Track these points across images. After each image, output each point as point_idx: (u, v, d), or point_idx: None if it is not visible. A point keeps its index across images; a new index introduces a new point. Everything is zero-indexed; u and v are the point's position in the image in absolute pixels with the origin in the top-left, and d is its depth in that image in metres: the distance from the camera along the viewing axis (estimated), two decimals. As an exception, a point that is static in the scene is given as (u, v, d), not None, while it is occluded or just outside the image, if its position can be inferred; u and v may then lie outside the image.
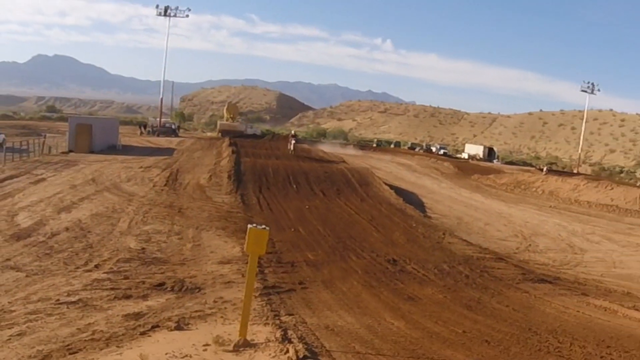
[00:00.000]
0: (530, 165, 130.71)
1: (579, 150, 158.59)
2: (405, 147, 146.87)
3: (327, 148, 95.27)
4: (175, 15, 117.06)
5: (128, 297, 17.93)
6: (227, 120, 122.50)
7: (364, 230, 32.51)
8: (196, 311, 16.66)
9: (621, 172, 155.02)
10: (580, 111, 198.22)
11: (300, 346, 13.37)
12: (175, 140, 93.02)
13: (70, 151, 62.23)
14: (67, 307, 16.59)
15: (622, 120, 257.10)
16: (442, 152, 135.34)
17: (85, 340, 14.10)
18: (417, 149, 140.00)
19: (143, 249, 24.40)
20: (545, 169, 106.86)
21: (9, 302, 16.99)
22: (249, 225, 14.45)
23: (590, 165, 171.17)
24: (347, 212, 37.02)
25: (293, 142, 73.02)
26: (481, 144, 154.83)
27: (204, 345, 13.51)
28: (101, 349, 13.51)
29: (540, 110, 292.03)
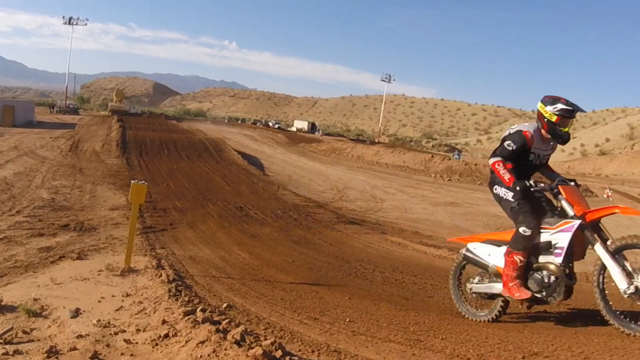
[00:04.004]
0: (343, 136, 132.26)
1: (379, 125, 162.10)
2: (249, 123, 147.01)
3: (205, 126, 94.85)
4: (77, 24, 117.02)
5: (42, 235, 17.77)
6: (115, 102, 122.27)
7: (218, 185, 32.80)
8: (92, 245, 16.63)
9: (411, 141, 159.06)
10: (380, 95, 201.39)
11: (170, 271, 13.50)
12: (76, 117, 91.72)
13: (-2, 126, 60.73)
14: (-5, 243, 16.51)
15: (412, 102, 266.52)
16: (276, 126, 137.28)
17: (9, 267, 14.01)
18: (258, 124, 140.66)
19: (53, 198, 24.16)
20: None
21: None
22: (132, 181, 14.66)
23: (388, 136, 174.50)
24: (206, 172, 37.16)
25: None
26: (306, 120, 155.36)
27: (99, 271, 13.57)
28: (21, 274, 13.44)
29: (350, 95, 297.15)
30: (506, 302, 10.61)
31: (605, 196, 52.02)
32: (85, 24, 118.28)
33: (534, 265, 9.82)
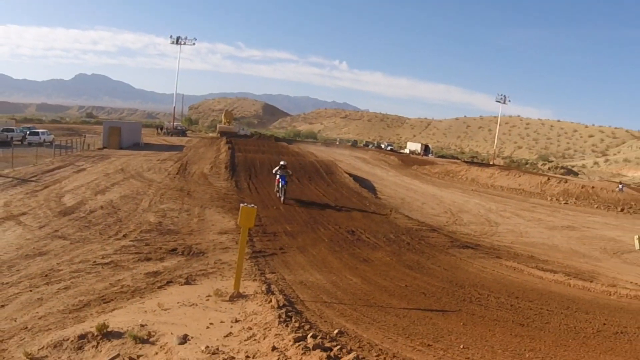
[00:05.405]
0: (457, 158, 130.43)
1: (494, 147, 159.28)
2: (361, 145, 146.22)
3: (316, 148, 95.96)
4: (184, 44, 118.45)
5: (148, 259, 18.06)
6: (224, 124, 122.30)
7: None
8: (201, 270, 16.83)
9: (526, 163, 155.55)
10: (495, 117, 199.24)
11: (280, 297, 13.58)
12: (184, 139, 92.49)
13: (104, 147, 62.26)
14: (102, 267, 16.79)
15: (527, 124, 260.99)
16: (389, 148, 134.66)
17: (116, 292, 14.31)
18: (370, 146, 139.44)
19: (160, 222, 24.40)
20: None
21: (57, 264, 17.12)
22: (241, 204, 14.73)
23: (503, 158, 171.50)
24: (317, 194, 36.90)
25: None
26: (419, 142, 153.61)
27: (207, 296, 13.72)
28: (128, 299, 13.72)
29: (464, 116, 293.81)
30: None
31: None
32: (193, 44, 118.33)
33: None
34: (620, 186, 67.14)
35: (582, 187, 59.70)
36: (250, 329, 11.37)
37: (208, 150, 66.18)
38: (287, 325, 11.18)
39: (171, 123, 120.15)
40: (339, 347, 9.81)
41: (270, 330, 11.02)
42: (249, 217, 14.39)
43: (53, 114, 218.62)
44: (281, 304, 12.87)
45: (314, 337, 10.35)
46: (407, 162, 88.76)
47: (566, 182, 64.87)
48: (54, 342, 10.94)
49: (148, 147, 69.48)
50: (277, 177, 33.65)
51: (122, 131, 66.66)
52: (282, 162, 34.11)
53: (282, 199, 32.50)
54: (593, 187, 59.99)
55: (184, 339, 10.79)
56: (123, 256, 18.36)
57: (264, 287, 14.55)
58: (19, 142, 64.96)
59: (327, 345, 9.88)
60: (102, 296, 14.05)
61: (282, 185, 32.90)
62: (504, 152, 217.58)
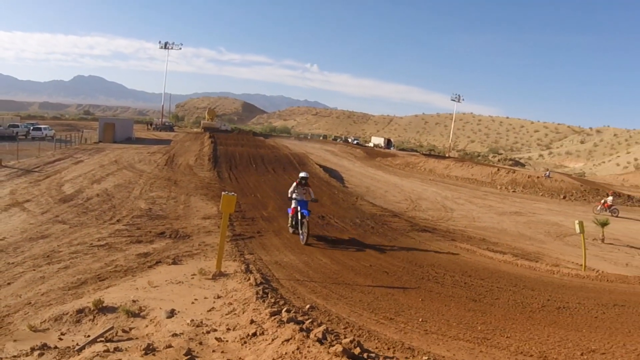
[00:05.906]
0: (416, 151, 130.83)
1: (450, 141, 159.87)
2: (330, 139, 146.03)
3: (290, 142, 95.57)
4: (172, 48, 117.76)
5: (139, 241, 18.07)
6: (207, 120, 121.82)
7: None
8: (186, 251, 16.82)
9: (478, 156, 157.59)
10: (450, 114, 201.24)
11: (258, 275, 13.57)
12: (172, 134, 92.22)
13: (100, 142, 62.17)
14: (98, 249, 16.84)
15: (479, 120, 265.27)
16: (355, 142, 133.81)
17: (110, 271, 14.36)
18: (338, 140, 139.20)
19: (150, 208, 24.40)
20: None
21: (58, 246, 17.20)
22: (223, 192, 14.81)
23: (457, 151, 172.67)
24: (290, 184, 37.05)
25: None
26: (382, 137, 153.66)
27: (192, 275, 13.76)
28: (121, 277, 13.76)
29: (423, 113, 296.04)
30: None
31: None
32: (180, 48, 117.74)
33: None
34: (547, 172, 67.94)
35: (528, 177, 60.24)
36: (231, 304, 11.41)
37: (193, 144, 65.78)
38: (263, 301, 11.20)
39: (160, 119, 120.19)
40: (310, 320, 9.83)
41: (248, 305, 11.01)
42: (230, 204, 14.46)
43: (54, 112, 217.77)
44: (258, 282, 12.88)
45: (288, 311, 10.37)
46: (372, 154, 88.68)
47: (514, 172, 65.40)
48: (54, 316, 11.02)
49: (139, 141, 69.10)
50: (293, 204, 20.26)
51: (116, 127, 66.89)
52: (302, 174, 21.12)
53: (303, 238, 19.10)
54: (538, 177, 60.61)
55: (172, 313, 10.85)
56: (117, 239, 18.38)
57: (243, 267, 14.56)
58: (24, 137, 65.12)
59: (300, 318, 9.89)
60: (98, 275, 14.09)
61: (303, 217, 19.31)
62: (458, 145, 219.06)
